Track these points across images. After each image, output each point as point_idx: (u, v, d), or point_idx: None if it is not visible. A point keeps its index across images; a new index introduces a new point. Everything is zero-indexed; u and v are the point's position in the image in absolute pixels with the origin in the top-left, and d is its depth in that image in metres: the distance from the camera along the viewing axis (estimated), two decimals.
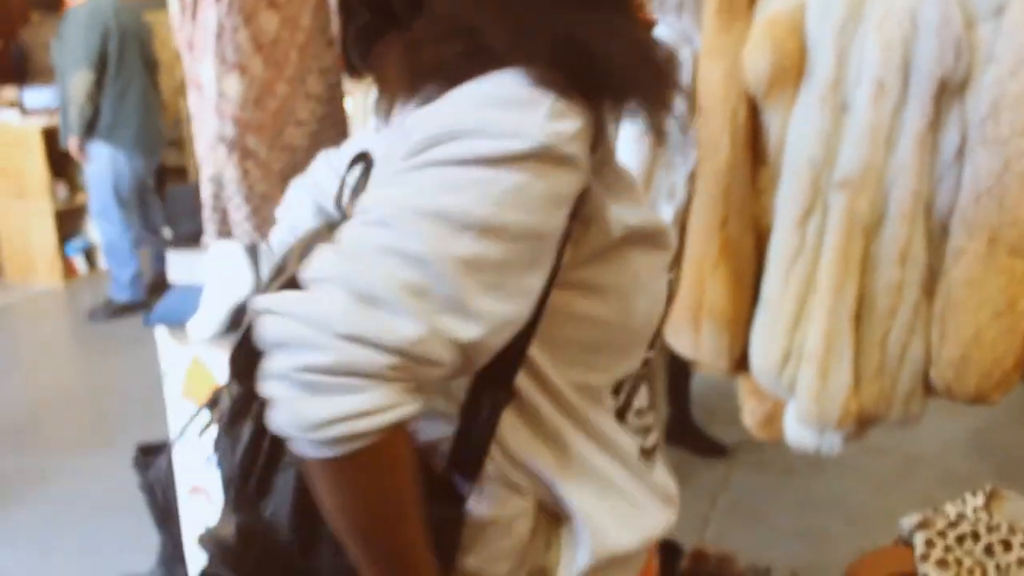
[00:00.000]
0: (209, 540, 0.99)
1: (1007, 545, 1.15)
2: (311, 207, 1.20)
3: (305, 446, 0.76)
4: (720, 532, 2.97)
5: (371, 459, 0.77)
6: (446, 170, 0.76)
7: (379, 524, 0.81)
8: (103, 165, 5.06)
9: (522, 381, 0.90)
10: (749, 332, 1.88)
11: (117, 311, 5.24)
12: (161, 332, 2.43)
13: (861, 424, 1.82)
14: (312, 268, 0.78)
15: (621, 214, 0.89)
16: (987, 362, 1.74)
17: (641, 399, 1.05)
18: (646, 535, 1.00)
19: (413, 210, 0.75)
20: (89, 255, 6.19)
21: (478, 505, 0.94)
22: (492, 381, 0.88)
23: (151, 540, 2.75)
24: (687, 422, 3.44)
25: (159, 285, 3.30)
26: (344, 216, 1.04)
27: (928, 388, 1.82)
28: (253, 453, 0.98)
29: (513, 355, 0.87)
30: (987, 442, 3.43)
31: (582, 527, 0.94)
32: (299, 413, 0.74)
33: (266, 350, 0.76)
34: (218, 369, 2.35)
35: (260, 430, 0.97)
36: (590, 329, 0.92)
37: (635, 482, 1.00)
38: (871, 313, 1.78)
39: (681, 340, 1.92)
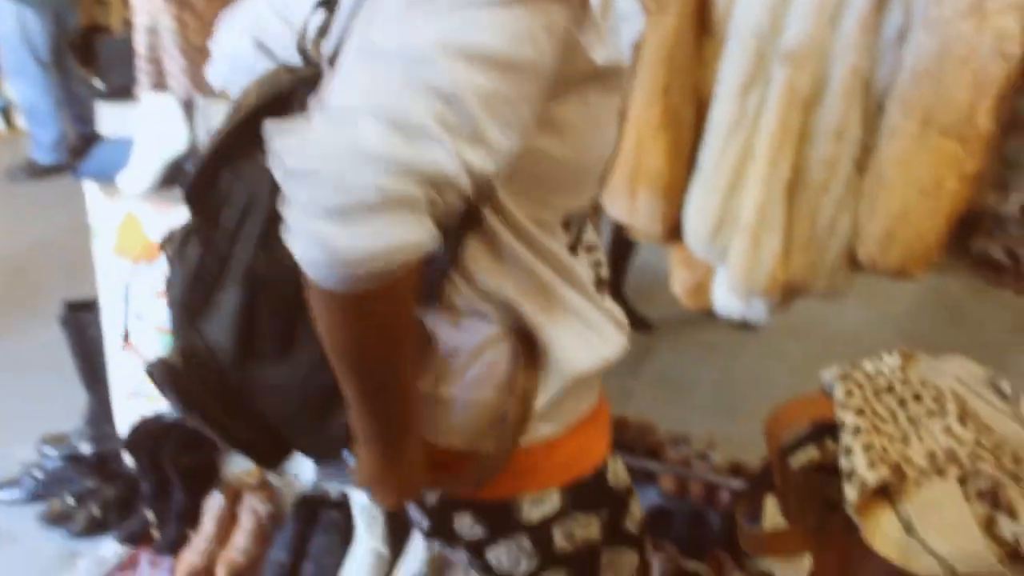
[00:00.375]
0: (156, 366, 1.00)
1: (918, 398, 1.21)
2: (250, 44, 1.17)
3: (332, 280, 0.74)
4: (642, 404, 3.07)
5: (392, 293, 0.78)
6: (466, 10, 0.76)
7: (384, 355, 0.84)
8: (10, 24, 4.82)
9: (485, 214, 0.92)
10: (684, 200, 1.90)
11: (39, 173, 5.07)
12: (91, 186, 2.36)
13: (787, 294, 1.87)
14: (337, 100, 0.77)
15: (589, 51, 0.89)
16: (911, 238, 1.79)
17: (590, 235, 1.08)
18: (606, 356, 1.05)
19: (439, 47, 0.75)
20: (6, 114, 5.95)
21: (453, 335, 0.97)
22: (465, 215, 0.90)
23: (78, 399, 2.74)
24: (617, 297, 3.50)
25: (81, 147, 3.17)
26: (309, 59, 1.03)
27: (854, 263, 1.87)
28: (197, 272, 0.99)
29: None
30: (901, 327, 3.58)
31: (551, 351, 0.98)
32: (333, 246, 0.72)
33: (291, 179, 0.73)
34: (151, 225, 2.30)
35: (206, 250, 0.98)
36: (547, 166, 0.93)
37: (592, 308, 1.04)
38: (804, 186, 1.81)
39: (617, 205, 1.93)
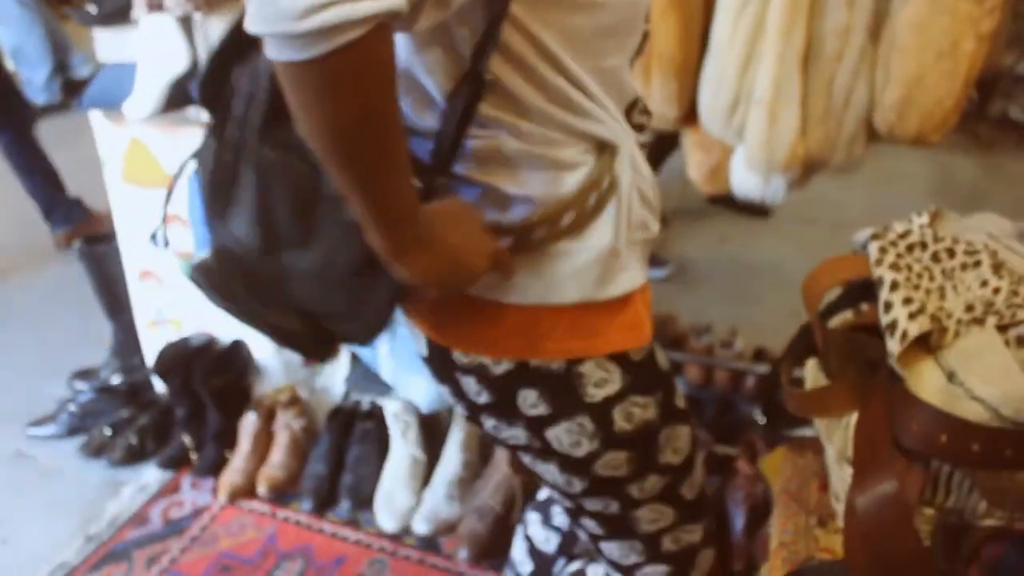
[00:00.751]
0: (195, 269, 1.01)
1: (951, 252, 1.21)
2: None
3: (284, 46, 0.71)
4: (659, 296, 3.07)
5: (356, 59, 0.72)
6: None
7: (362, 136, 0.78)
8: None
9: (546, 71, 0.92)
10: (698, 81, 1.87)
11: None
12: (96, 116, 2.33)
13: (806, 170, 1.86)
14: None
15: None
16: (929, 103, 1.76)
17: (639, 118, 1.08)
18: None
19: None
20: None
21: (529, 146, 0.97)
22: (472, 74, 0.90)
23: (102, 332, 2.76)
24: None
25: (75, 85, 3.12)
26: None
27: (870, 133, 1.85)
28: (215, 171, 0.98)
29: (487, 41, 0.88)
30: (915, 209, 3.53)
31: (621, 153, 1.02)
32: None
33: None
34: (159, 149, 2.28)
35: (220, 146, 0.98)
36: (603, 14, 0.93)
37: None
38: (818, 57, 1.78)
39: None
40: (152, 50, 2.13)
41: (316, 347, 1.07)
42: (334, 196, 0.89)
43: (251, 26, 0.72)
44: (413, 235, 0.89)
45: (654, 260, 3.24)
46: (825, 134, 1.81)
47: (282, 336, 1.04)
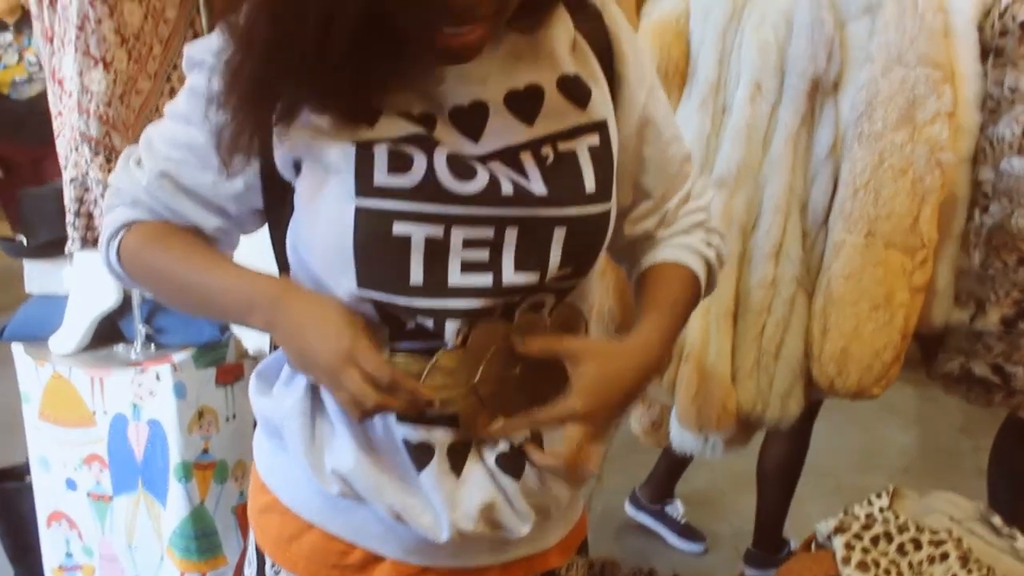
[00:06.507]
0: None
1: (917, 544, 1.05)
2: None
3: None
4: (597, 540, 2.78)
5: (126, 253, 0.92)
6: None
7: (175, 295, 0.94)
8: None
9: None
10: None
11: None
12: (18, 349, 2.13)
13: (742, 427, 1.71)
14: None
15: None
16: (867, 355, 1.64)
17: None
18: None
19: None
20: None
21: None
22: None
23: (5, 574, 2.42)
24: None
25: None
26: None
27: (810, 386, 1.72)
28: None
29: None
30: (854, 440, 3.30)
31: None
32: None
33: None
34: (83, 385, 2.07)
35: None
36: None
37: None
38: (747, 309, 1.66)
39: None
40: (83, 285, 1.98)
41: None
42: None
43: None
44: (264, 320, 0.84)
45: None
46: (756, 387, 1.66)
47: None
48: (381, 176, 0.77)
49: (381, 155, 0.78)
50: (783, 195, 1.68)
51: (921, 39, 1.63)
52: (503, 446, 0.86)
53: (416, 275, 0.79)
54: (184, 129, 0.87)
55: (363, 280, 0.79)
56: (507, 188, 0.79)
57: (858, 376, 1.65)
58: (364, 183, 0.77)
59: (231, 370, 2.04)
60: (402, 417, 0.83)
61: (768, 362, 1.70)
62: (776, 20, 1.68)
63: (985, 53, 1.72)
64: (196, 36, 1.99)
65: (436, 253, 0.79)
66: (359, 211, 0.77)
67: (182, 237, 0.91)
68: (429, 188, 0.77)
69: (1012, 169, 1.69)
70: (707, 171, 1.71)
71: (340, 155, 0.78)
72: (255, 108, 0.78)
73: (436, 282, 0.79)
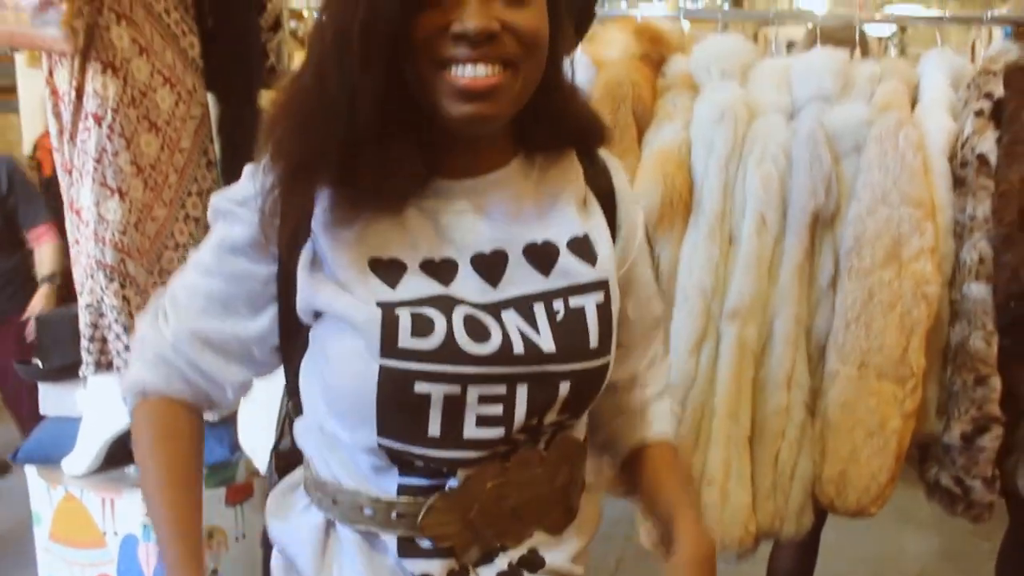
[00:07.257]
0: None
1: None
2: None
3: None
4: None
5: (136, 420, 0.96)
6: None
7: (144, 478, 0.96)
8: None
9: None
10: None
11: None
12: (31, 471, 2.12)
13: (756, 542, 1.77)
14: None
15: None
16: (864, 478, 1.72)
17: None
18: None
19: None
20: None
21: None
22: None
23: None
24: None
25: None
26: None
27: (817, 502, 1.79)
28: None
29: None
30: (889, 557, 3.17)
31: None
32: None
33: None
34: (94, 506, 2.07)
35: None
36: None
37: None
38: (763, 435, 1.73)
39: None
40: (96, 407, 1.99)
41: None
42: None
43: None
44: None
45: None
46: (774, 508, 1.73)
47: None
48: (405, 339, 0.81)
49: (405, 319, 0.81)
50: (792, 326, 1.74)
51: (903, 179, 1.70)
52: (501, 564, 0.90)
53: (434, 429, 0.83)
54: (206, 281, 0.91)
55: (383, 431, 0.83)
56: (518, 347, 0.83)
57: (856, 497, 1.73)
58: (389, 345, 0.81)
59: (241, 490, 2.05)
60: (403, 553, 0.87)
61: (784, 483, 1.76)
62: (776, 153, 1.72)
63: (956, 181, 1.79)
64: (210, 164, 2.03)
65: (453, 409, 0.83)
66: (383, 369, 0.81)
67: (171, 455, 0.95)
68: (448, 350, 0.81)
69: (971, 293, 1.76)
70: (717, 299, 1.76)
71: (367, 317, 0.81)
72: (297, 181, 0.82)
73: (453, 435, 0.83)
